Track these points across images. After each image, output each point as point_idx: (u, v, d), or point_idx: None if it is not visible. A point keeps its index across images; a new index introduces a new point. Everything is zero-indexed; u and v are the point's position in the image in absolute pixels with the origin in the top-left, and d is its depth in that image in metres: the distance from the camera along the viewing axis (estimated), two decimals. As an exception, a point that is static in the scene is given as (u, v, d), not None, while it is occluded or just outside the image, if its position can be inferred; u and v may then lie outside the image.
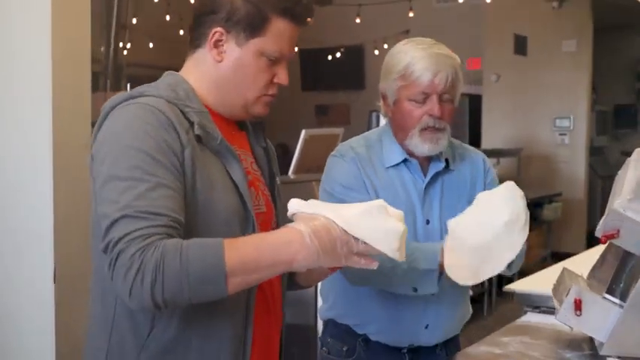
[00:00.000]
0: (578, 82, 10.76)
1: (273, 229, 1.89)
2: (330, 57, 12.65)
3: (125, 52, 10.89)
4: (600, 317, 2.17)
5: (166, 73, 1.90)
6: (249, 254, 1.59)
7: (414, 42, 2.39)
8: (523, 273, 3.18)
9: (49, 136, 2.58)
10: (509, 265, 2.43)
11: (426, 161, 2.48)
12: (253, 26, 1.80)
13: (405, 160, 2.46)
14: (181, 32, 10.97)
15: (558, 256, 9.87)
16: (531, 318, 2.77)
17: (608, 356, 2.15)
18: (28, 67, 2.67)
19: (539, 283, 2.98)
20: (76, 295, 2.59)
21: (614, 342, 2.14)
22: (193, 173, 1.70)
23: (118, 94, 1.81)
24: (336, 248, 1.61)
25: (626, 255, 2.23)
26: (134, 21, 10.71)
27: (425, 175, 2.47)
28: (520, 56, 10.05)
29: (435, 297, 2.42)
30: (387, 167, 2.46)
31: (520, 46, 10.17)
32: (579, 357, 2.28)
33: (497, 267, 2.22)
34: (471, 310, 2.62)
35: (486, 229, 2.21)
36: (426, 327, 2.44)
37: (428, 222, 2.46)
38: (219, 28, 1.81)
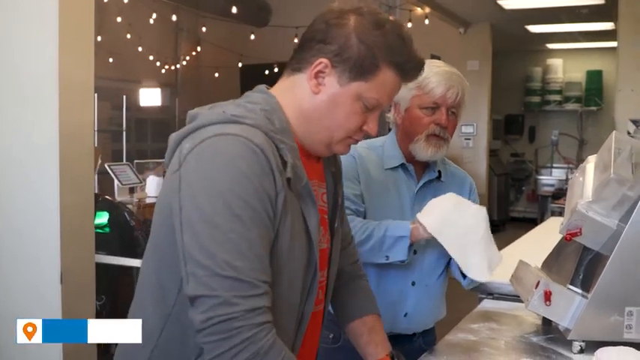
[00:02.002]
0: (480, 95, 10.89)
1: (328, 262, 1.68)
2: (267, 72, 12.54)
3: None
4: (565, 306, 2.09)
5: (260, 89, 1.56)
6: None
7: (429, 62, 2.27)
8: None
9: (55, 142, 2.33)
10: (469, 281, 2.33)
11: (421, 169, 2.38)
12: (361, 69, 1.47)
13: (402, 165, 2.35)
14: (140, 49, 10.75)
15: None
16: (487, 304, 2.69)
17: (575, 340, 2.06)
18: (35, 74, 2.42)
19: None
20: (81, 296, 2.35)
21: (580, 328, 2.05)
22: (280, 221, 1.40)
23: (210, 109, 1.49)
24: None
25: (585, 250, 2.16)
26: (99, 38, 10.33)
27: (418, 180, 2.37)
28: (434, 73, 10.06)
29: (414, 288, 2.31)
30: (386, 169, 2.35)
31: (435, 64, 10.20)
32: (544, 340, 2.21)
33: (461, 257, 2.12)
34: (445, 311, 2.48)
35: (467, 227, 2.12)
36: (405, 315, 2.32)
37: None
38: (325, 60, 1.48)
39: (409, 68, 1.54)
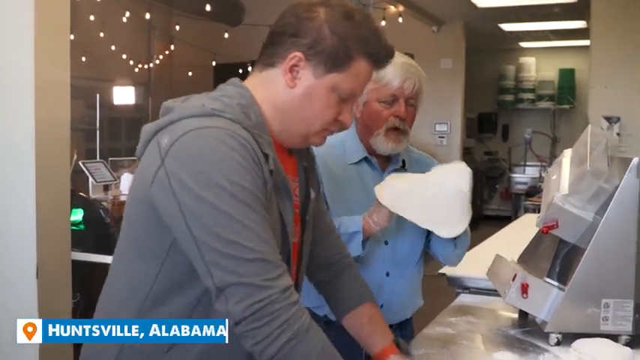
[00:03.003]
0: (453, 94, 10.95)
1: (298, 256, 1.68)
2: (241, 70, 12.49)
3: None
4: (542, 298, 2.10)
5: (234, 83, 1.54)
6: None
7: None
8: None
9: (31, 136, 2.32)
10: (451, 259, 2.35)
11: (385, 160, 2.38)
12: (336, 61, 1.49)
13: (365, 158, 2.36)
14: (113, 47, 10.65)
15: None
16: (464, 299, 2.70)
17: (551, 332, 2.07)
18: (11, 72, 2.41)
19: (465, 267, 2.90)
20: (57, 292, 2.32)
21: (557, 321, 2.06)
22: (267, 211, 1.42)
23: (185, 102, 1.49)
24: None
25: (561, 242, 2.17)
26: (71, 37, 10.20)
27: (383, 171, 2.38)
28: (408, 71, 10.11)
29: (388, 279, 2.32)
30: (349, 164, 2.35)
31: (409, 63, 10.25)
32: (521, 333, 2.22)
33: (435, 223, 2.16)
34: (421, 300, 2.49)
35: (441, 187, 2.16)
36: (381, 306, 2.31)
37: None
38: (299, 54, 1.49)
39: (382, 57, 1.57)
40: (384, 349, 1.82)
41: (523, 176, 13.04)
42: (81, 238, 4.20)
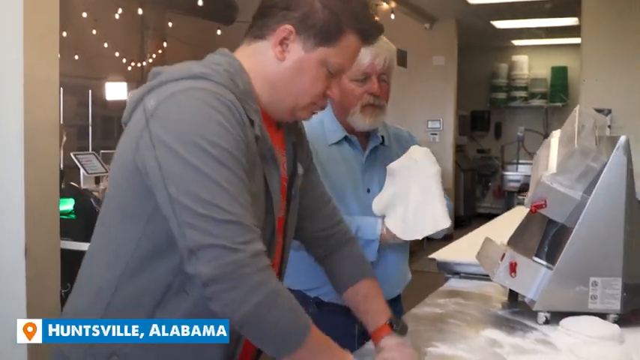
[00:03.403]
0: (446, 91, 10.95)
1: (284, 231, 1.66)
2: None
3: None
4: (531, 277, 2.09)
5: (223, 52, 1.53)
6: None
7: None
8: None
9: (20, 116, 2.33)
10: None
11: (365, 138, 2.39)
12: (327, 35, 1.48)
13: (345, 138, 2.36)
14: (105, 45, 10.62)
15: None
16: (453, 283, 2.69)
17: (540, 311, 2.06)
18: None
19: (455, 254, 2.92)
20: (45, 270, 2.32)
21: (545, 299, 2.06)
22: (248, 176, 1.40)
23: (170, 67, 1.46)
24: None
25: (549, 223, 2.17)
26: (64, 34, 10.19)
27: (364, 150, 2.39)
28: (401, 68, 10.13)
29: (380, 258, 2.31)
30: (330, 145, 2.36)
31: (401, 59, 10.26)
32: (510, 314, 2.21)
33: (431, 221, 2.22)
34: (410, 274, 2.50)
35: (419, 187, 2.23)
36: None
37: (368, 190, 2.37)
38: (289, 26, 1.47)
39: (372, 33, 1.56)
40: (377, 328, 1.80)
41: (516, 174, 13.07)
42: (72, 228, 4.23)
